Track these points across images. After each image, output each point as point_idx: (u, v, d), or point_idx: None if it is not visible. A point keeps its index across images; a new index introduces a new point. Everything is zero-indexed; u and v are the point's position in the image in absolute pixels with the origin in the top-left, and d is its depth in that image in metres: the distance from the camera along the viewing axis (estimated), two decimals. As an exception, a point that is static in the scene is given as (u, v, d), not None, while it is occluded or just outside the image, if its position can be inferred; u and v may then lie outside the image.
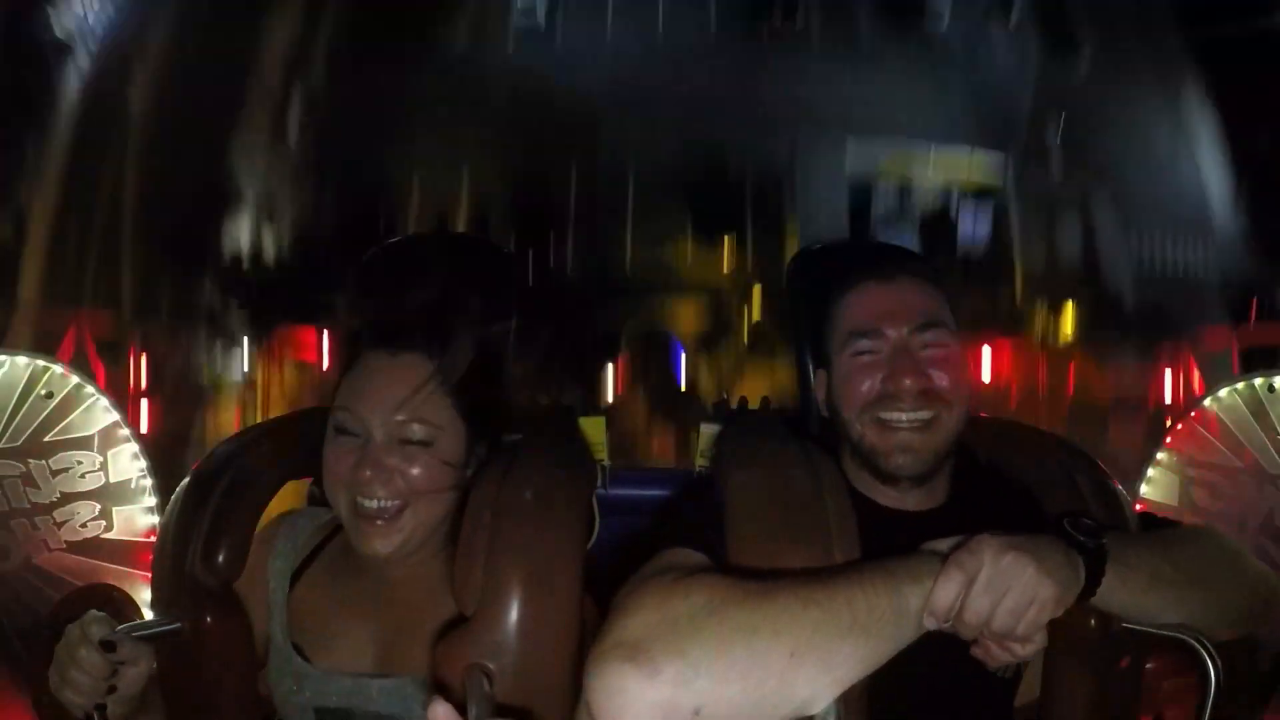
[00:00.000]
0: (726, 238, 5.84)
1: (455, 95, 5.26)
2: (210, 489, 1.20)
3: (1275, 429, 2.00)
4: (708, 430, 1.60)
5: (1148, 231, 5.23)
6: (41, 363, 2.28)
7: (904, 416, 1.13)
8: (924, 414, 1.13)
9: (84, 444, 2.27)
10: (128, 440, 2.30)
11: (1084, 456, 1.23)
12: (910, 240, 5.65)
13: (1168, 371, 4.27)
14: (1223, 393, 2.08)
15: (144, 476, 2.31)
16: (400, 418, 1.08)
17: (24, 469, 2.23)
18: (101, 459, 2.27)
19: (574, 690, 1.03)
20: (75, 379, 2.29)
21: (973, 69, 5.57)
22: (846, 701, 0.87)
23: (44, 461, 2.23)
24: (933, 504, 1.19)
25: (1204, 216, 5.09)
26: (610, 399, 4.60)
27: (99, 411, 2.28)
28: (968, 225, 5.79)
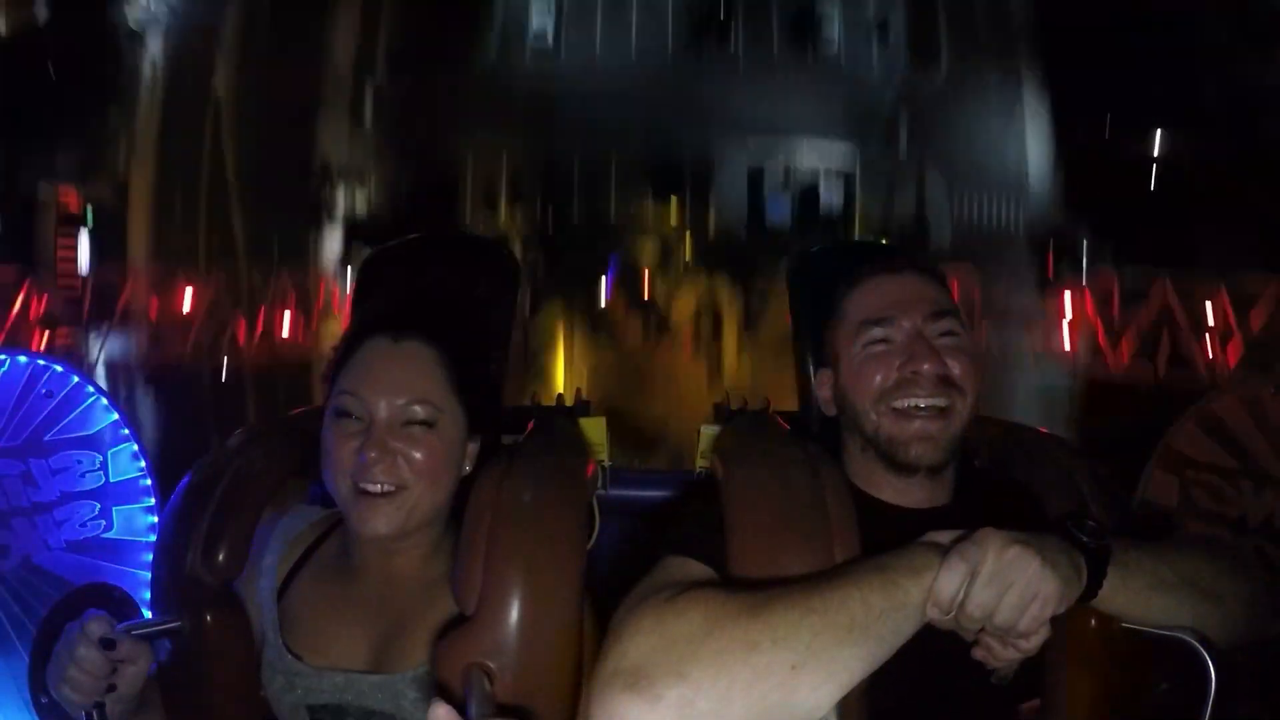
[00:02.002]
0: (673, 199, 8.61)
1: (490, 97, 7.99)
2: (210, 488, 1.20)
3: (1275, 430, 2.00)
4: (708, 431, 1.60)
5: (972, 196, 8.00)
6: (41, 361, 2.27)
7: (921, 403, 1.12)
8: (940, 401, 1.12)
9: (84, 443, 2.27)
10: (128, 440, 2.29)
11: (1084, 457, 1.23)
12: (786, 204, 8.74)
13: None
14: (1221, 394, 2.08)
15: (144, 476, 2.31)
16: (402, 400, 1.09)
17: (24, 468, 2.22)
18: (101, 458, 2.27)
19: (574, 690, 1.03)
20: (75, 378, 2.28)
21: (852, 80, 8.45)
22: (844, 706, 0.87)
23: (44, 461, 2.23)
24: (937, 502, 1.18)
25: (1021, 184, 7.68)
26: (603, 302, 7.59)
27: (99, 411, 2.27)
28: (828, 195, 8.63)
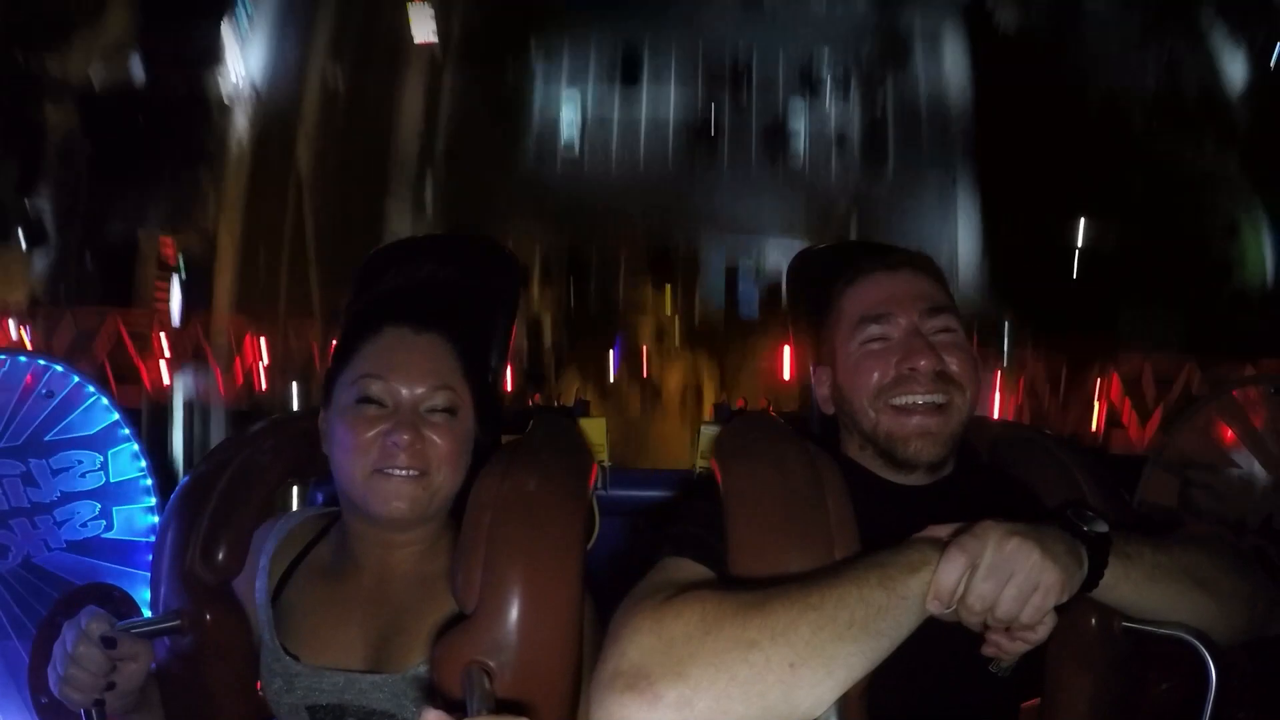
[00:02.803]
0: (668, 288, 11.35)
1: (527, 194, 11.14)
2: (210, 488, 1.21)
3: (1275, 431, 1.99)
4: (708, 432, 1.60)
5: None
6: (41, 361, 2.27)
7: (919, 400, 1.11)
8: (938, 397, 1.11)
9: (84, 443, 2.26)
10: (128, 440, 2.29)
11: (1085, 456, 1.23)
12: (754, 292, 11.73)
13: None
14: (1223, 395, 2.08)
15: (144, 476, 2.31)
16: (425, 388, 1.12)
17: (24, 468, 2.22)
18: (102, 458, 2.27)
19: (573, 689, 1.03)
20: (76, 378, 2.28)
21: (813, 186, 11.71)
22: (845, 704, 0.87)
23: (44, 461, 2.23)
24: (938, 478, 1.17)
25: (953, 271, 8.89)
26: (612, 376, 9.16)
27: (99, 410, 2.27)
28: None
